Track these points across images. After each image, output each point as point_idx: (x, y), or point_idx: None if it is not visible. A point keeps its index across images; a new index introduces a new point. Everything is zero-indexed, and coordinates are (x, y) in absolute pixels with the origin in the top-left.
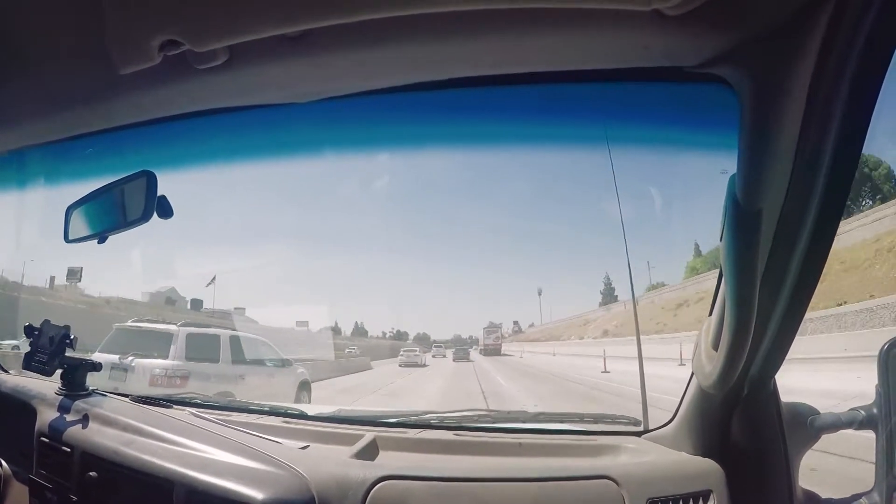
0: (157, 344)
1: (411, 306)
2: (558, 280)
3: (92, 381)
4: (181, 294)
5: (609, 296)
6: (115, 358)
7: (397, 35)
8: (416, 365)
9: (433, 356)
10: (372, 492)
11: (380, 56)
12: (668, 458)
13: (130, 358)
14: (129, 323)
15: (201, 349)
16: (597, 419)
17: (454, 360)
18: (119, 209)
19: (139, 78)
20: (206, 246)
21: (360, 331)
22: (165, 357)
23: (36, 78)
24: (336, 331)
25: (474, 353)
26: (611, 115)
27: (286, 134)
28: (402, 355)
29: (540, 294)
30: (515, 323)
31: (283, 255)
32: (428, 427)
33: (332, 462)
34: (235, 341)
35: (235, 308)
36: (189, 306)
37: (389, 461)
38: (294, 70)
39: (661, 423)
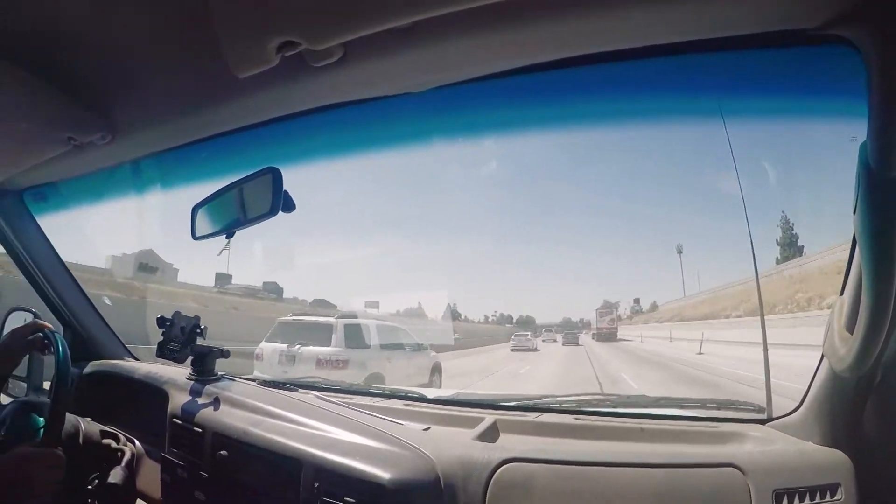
0: (318, 333)
1: (516, 289)
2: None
3: (262, 367)
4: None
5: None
6: (283, 347)
7: (506, 19)
8: (527, 349)
9: (543, 340)
10: (496, 474)
11: (489, 41)
12: (794, 447)
13: (297, 346)
14: (291, 316)
15: (355, 337)
16: (719, 405)
17: (563, 344)
18: (245, 205)
19: (258, 80)
20: (315, 238)
21: (456, 314)
22: (327, 345)
23: (159, 87)
24: (452, 314)
25: (585, 338)
26: (726, 86)
27: (397, 125)
28: (513, 339)
29: (680, 253)
30: (636, 301)
31: (391, 244)
32: (547, 411)
33: (455, 444)
34: (381, 329)
35: (367, 301)
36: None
37: (511, 444)
38: (406, 61)
39: (787, 411)
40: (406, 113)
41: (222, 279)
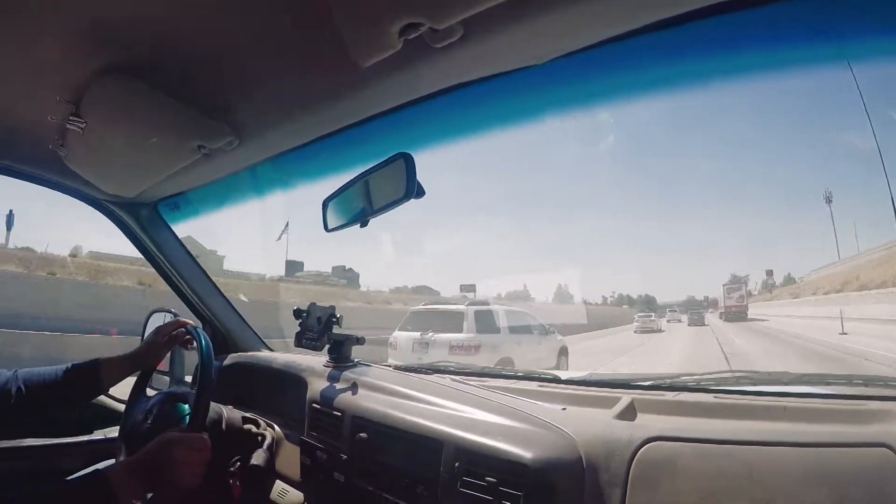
0: (449, 320)
1: (635, 267)
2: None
3: (396, 355)
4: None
5: None
6: (416, 335)
7: None
8: (651, 331)
9: (668, 321)
10: (639, 453)
11: (609, 2)
12: None
13: (430, 333)
14: (423, 306)
15: (485, 322)
16: (866, 381)
17: (689, 325)
18: (378, 193)
19: (381, 68)
20: (419, 223)
21: (567, 296)
22: (459, 331)
23: (282, 88)
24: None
25: (711, 317)
26: (847, 27)
27: (518, 100)
28: (637, 321)
29: (829, 202)
30: (769, 273)
31: (499, 225)
32: (685, 389)
33: (596, 423)
34: (510, 314)
35: (462, 285)
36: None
37: (650, 423)
38: (526, 32)
39: None
40: (527, 87)
41: (293, 267)
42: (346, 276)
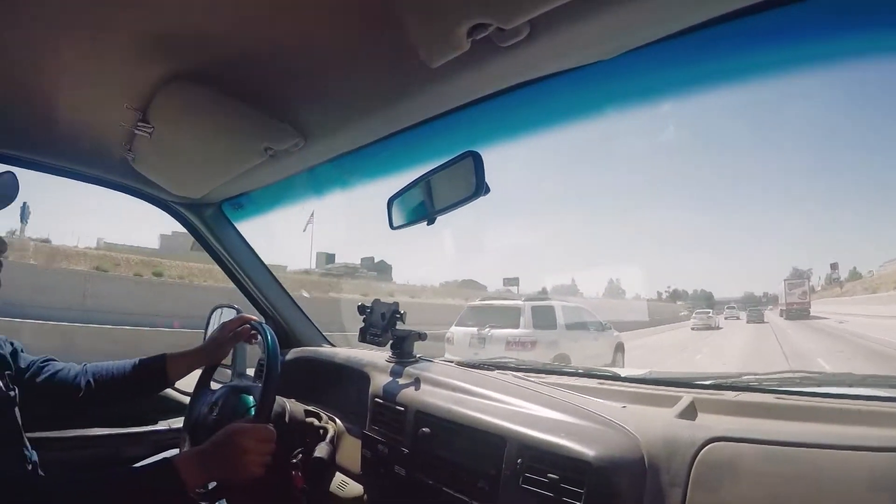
0: (506, 316)
1: (689, 260)
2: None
3: (453, 350)
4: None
5: None
6: (473, 330)
7: None
8: (709, 328)
9: (725, 318)
10: (701, 453)
11: None
12: None
13: (487, 329)
14: (479, 301)
15: (542, 318)
16: None
17: (748, 322)
18: (444, 191)
19: (448, 68)
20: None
21: (619, 291)
22: (515, 327)
23: (348, 89)
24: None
25: (771, 315)
26: None
27: (585, 96)
28: (694, 317)
29: None
30: (833, 267)
31: (550, 221)
32: (746, 389)
33: (658, 421)
34: (566, 310)
35: (505, 278)
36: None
37: (712, 423)
38: (593, 28)
39: None
40: (593, 83)
41: (324, 259)
42: (377, 268)
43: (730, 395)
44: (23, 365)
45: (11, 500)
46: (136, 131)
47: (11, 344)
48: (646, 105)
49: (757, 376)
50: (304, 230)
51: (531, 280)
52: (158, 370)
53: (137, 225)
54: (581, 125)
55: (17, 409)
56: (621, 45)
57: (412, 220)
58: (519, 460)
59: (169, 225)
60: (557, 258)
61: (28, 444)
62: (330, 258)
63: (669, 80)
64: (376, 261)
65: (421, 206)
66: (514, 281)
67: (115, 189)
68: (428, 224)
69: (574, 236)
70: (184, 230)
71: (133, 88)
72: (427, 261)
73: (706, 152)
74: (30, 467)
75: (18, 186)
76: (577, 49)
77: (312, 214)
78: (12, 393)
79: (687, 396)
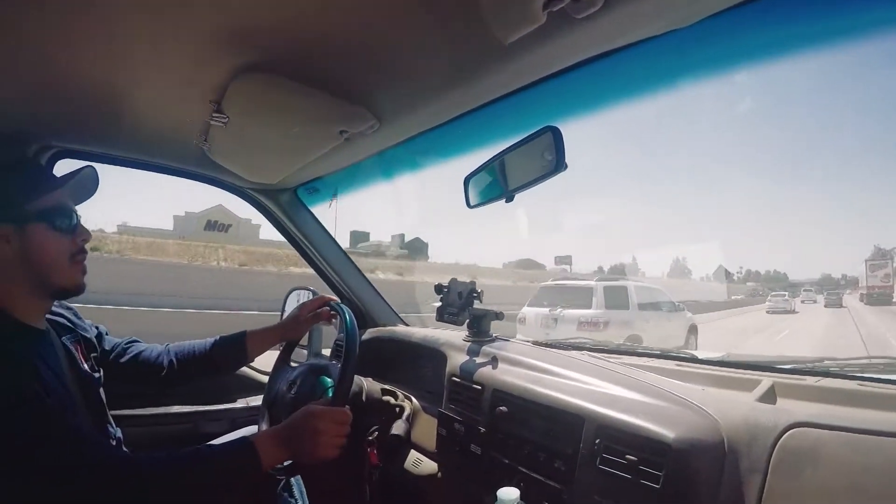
0: (578, 296)
1: (763, 239)
2: None
3: (525, 330)
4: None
5: None
6: (545, 310)
7: None
8: (785, 311)
9: (802, 301)
10: (782, 438)
11: None
12: None
13: (559, 309)
14: (552, 281)
15: (615, 298)
16: None
17: (826, 306)
18: (523, 167)
19: (523, 42)
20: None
21: (685, 270)
22: (588, 307)
23: (422, 69)
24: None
25: (850, 299)
26: None
27: (656, 68)
28: (770, 300)
29: None
30: None
31: (619, 196)
32: (827, 375)
33: (738, 405)
34: (639, 290)
35: (557, 256)
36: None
37: (792, 408)
38: None
39: None
40: (671, 52)
41: (358, 237)
42: (410, 247)
43: (810, 381)
44: (107, 347)
45: (114, 477)
46: (212, 122)
47: (97, 328)
48: (721, 74)
49: (838, 362)
50: (330, 206)
51: (589, 259)
52: (238, 347)
53: (152, 207)
54: (655, 97)
55: (101, 389)
56: (697, 11)
57: (489, 198)
58: (597, 440)
59: (181, 206)
60: (617, 237)
61: (112, 421)
62: (363, 236)
63: (746, 47)
64: (407, 239)
65: (498, 184)
66: (566, 259)
67: (191, 178)
68: (507, 202)
69: (636, 215)
70: (195, 211)
71: (208, 82)
72: (479, 240)
73: (782, 123)
74: (114, 443)
75: (98, 181)
76: (653, 17)
77: (336, 190)
78: (97, 374)
79: (766, 380)
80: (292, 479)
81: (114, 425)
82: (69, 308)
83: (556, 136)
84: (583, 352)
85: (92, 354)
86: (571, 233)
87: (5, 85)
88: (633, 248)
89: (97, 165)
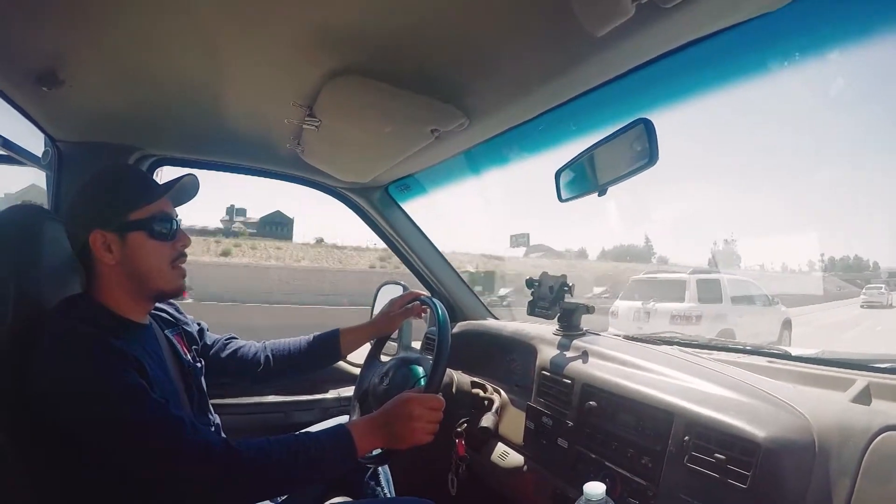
0: (671, 289)
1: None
2: None
3: (617, 323)
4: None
5: None
6: (637, 304)
7: None
8: (881, 305)
9: None
10: (875, 441)
11: None
12: None
13: (652, 303)
14: (644, 275)
15: (708, 291)
16: None
17: None
18: (615, 160)
19: (612, 35)
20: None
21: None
22: (680, 300)
23: (511, 66)
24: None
25: None
26: None
27: (747, 55)
28: (864, 293)
29: None
30: None
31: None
32: None
33: (831, 405)
34: (732, 283)
35: (513, 235)
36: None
37: (888, 410)
38: None
39: None
40: (762, 37)
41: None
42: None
43: None
44: (208, 342)
45: (213, 460)
46: (304, 126)
47: (199, 324)
48: (814, 58)
49: None
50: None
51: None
52: (333, 344)
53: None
54: (747, 84)
55: (203, 379)
56: None
57: (581, 191)
58: (686, 437)
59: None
60: (698, 228)
61: (211, 409)
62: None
63: (840, 26)
64: (531, 242)
65: (590, 177)
66: (522, 238)
67: (285, 180)
68: (599, 195)
69: (717, 205)
70: (242, 207)
71: (300, 87)
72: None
73: (874, 106)
74: (212, 429)
75: (199, 186)
76: (742, 2)
77: (426, 188)
78: (199, 364)
79: (861, 380)
80: (380, 468)
81: (212, 412)
82: (171, 303)
83: (649, 127)
84: (673, 346)
85: (193, 346)
86: (661, 224)
87: (110, 98)
88: (729, 239)
89: (195, 171)
